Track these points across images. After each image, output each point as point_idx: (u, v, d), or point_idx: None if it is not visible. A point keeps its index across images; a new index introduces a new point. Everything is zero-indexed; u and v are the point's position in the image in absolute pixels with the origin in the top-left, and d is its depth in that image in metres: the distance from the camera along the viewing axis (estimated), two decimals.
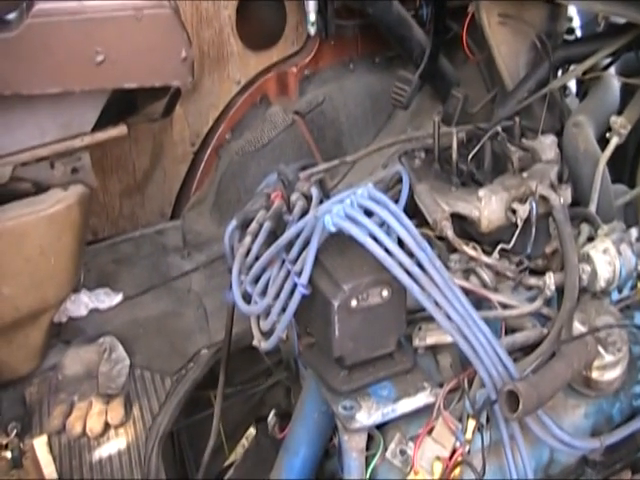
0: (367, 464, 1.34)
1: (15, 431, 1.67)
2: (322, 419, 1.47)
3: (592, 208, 1.61)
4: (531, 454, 1.37)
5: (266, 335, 1.41)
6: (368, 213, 1.29)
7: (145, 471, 1.67)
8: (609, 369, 1.42)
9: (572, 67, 1.97)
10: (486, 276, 1.47)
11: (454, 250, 1.49)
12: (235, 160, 2.34)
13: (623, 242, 1.47)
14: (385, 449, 1.34)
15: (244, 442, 2.10)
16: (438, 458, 1.31)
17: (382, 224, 1.30)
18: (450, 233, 1.46)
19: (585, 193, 1.64)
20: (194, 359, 1.89)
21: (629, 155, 2.21)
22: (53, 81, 1.60)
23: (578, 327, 1.42)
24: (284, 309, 1.33)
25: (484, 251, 1.49)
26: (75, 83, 1.62)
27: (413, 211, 1.55)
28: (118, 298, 2.06)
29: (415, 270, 1.25)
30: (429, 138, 1.71)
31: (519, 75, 1.96)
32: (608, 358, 1.41)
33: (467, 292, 1.35)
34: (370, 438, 1.34)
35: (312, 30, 2.32)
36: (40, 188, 1.73)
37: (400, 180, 1.61)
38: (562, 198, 1.49)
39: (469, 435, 1.31)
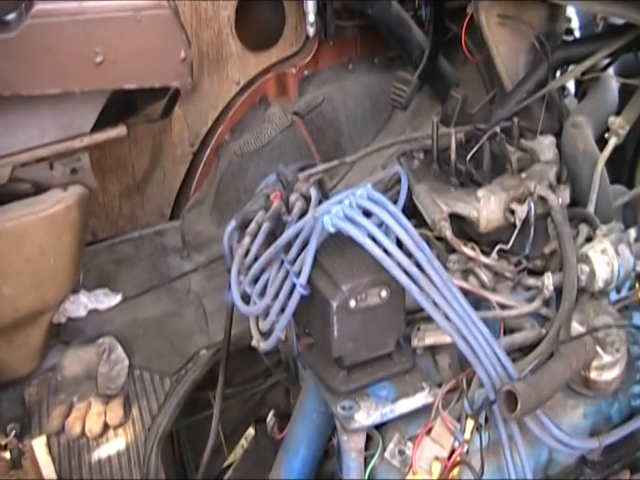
0: (366, 464, 1.35)
1: (14, 432, 1.68)
2: (321, 419, 1.48)
3: (591, 209, 1.61)
4: (530, 454, 1.37)
5: (265, 335, 1.42)
6: (367, 214, 1.29)
7: (144, 471, 1.67)
8: (607, 369, 1.42)
9: (571, 68, 1.97)
10: (485, 276, 1.47)
11: (453, 250, 1.49)
12: (234, 161, 2.34)
13: (621, 242, 1.47)
14: (384, 449, 1.34)
15: (243, 442, 2.10)
16: (437, 458, 1.31)
17: (381, 225, 1.30)
18: (449, 233, 1.46)
19: (584, 194, 1.64)
20: (193, 359, 1.89)
21: (628, 156, 2.21)
22: (52, 82, 1.60)
23: (576, 327, 1.42)
24: (283, 309, 1.33)
25: (483, 251, 1.49)
26: (74, 84, 1.63)
27: (412, 212, 1.55)
28: (117, 299, 2.06)
29: (414, 270, 1.25)
30: (428, 139, 1.71)
31: (518, 76, 1.96)
32: (606, 358, 1.41)
33: (466, 292, 1.35)
34: (369, 438, 1.34)
35: (311, 31, 2.33)
36: (39, 189, 1.73)
37: (399, 181, 1.61)
38: (561, 198, 1.50)
39: (468, 435, 1.31)
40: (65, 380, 1.80)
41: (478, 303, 1.43)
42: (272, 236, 1.44)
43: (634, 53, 1.89)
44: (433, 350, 1.46)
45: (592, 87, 1.92)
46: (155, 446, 1.70)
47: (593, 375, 1.42)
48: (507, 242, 1.48)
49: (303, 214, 1.44)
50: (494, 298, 1.43)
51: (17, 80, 1.57)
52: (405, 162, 1.68)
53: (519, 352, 1.42)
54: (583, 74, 1.86)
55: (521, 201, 1.49)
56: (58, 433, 1.72)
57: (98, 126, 1.74)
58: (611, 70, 2.01)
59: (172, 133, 2.28)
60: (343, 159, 1.81)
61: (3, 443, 1.65)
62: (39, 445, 1.69)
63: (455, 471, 1.31)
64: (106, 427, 1.74)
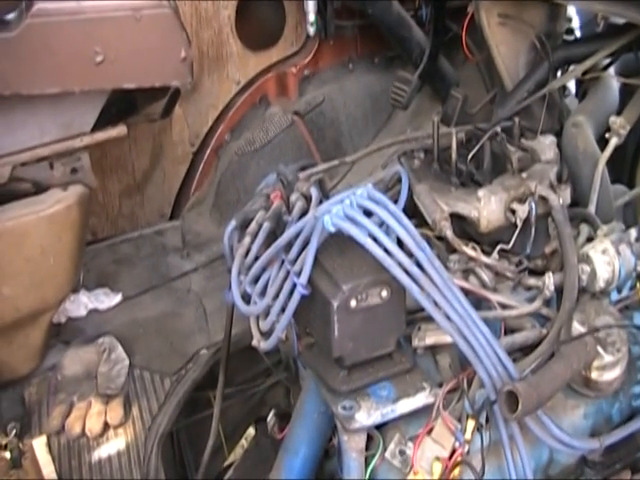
0: (366, 464, 1.34)
1: (14, 431, 1.68)
2: (321, 419, 1.47)
3: (591, 208, 1.61)
4: (530, 454, 1.37)
5: (265, 335, 1.41)
6: (367, 213, 1.29)
7: (144, 471, 1.67)
8: (608, 369, 1.42)
9: (571, 67, 1.97)
10: (485, 276, 1.47)
11: (453, 250, 1.49)
12: (234, 160, 2.34)
13: (622, 242, 1.47)
14: (384, 449, 1.34)
15: (243, 442, 2.10)
16: (437, 458, 1.31)
17: (381, 224, 1.30)
18: (449, 233, 1.46)
19: (584, 193, 1.64)
20: (193, 359, 1.89)
21: (628, 155, 2.21)
22: (52, 81, 1.60)
23: (577, 327, 1.42)
24: (283, 309, 1.33)
25: (483, 251, 1.49)
26: (74, 83, 1.62)
27: (412, 211, 1.55)
28: (117, 298, 2.06)
29: (414, 270, 1.25)
30: (428, 138, 1.71)
31: (518, 75, 1.96)
32: (607, 358, 1.41)
33: (466, 292, 1.35)
34: (369, 438, 1.34)
35: (311, 30, 2.33)
36: (39, 188, 1.73)
37: (399, 180, 1.61)
38: (561, 198, 1.49)
39: (468, 435, 1.31)
40: (65, 380, 1.80)
41: (479, 303, 1.43)
42: (272, 236, 1.44)
43: (635, 53, 1.89)
44: (434, 350, 1.46)
45: (593, 87, 1.92)
46: (155, 446, 1.70)
47: (594, 375, 1.42)
48: (508, 242, 1.47)
49: (303, 214, 1.44)
50: (495, 298, 1.43)
51: (17, 79, 1.57)
52: (406, 162, 1.68)
53: (520, 352, 1.42)
54: (584, 74, 1.86)
55: (522, 201, 1.48)
56: (58, 433, 1.72)
57: (98, 126, 1.74)
58: (612, 70, 2.01)
59: (172, 133, 2.28)
60: (343, 159, 1.81)
61: (3, 443, 1.65)
62: (39, 445, 1.69)
63: (456, 471, 1.31)
64: (106, 427, 1.74)
